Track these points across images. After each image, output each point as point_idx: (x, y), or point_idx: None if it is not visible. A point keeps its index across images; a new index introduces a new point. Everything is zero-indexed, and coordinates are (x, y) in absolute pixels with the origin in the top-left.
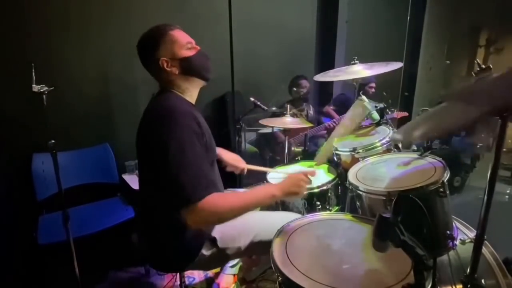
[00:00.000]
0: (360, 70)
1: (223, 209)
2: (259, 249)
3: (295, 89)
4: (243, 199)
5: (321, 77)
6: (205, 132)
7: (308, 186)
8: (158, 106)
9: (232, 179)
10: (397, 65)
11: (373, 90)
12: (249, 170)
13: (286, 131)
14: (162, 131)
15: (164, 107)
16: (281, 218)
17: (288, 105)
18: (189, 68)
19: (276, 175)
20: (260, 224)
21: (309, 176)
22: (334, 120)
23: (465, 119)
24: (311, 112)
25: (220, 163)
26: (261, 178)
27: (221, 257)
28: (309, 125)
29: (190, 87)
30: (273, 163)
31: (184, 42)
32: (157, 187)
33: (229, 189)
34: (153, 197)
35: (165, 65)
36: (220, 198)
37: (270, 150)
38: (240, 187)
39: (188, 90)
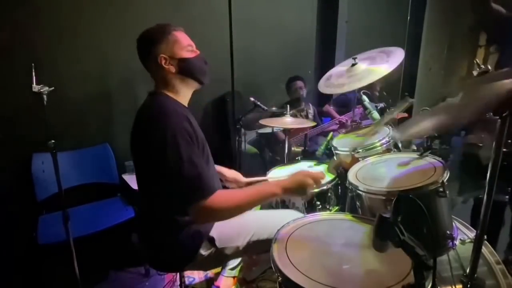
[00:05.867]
0: (363, 71)
1: (229, 207)
2: (257, 248)
3: (291, 90)
4: (246, 197)
5: (326, 89)
6: (197, 131)
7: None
8: (150, 109)
9: None
10: (398, 53)
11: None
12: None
13: (286, 131)
14: (155, 134)
15: (156, 109)
16: (279, 216)
17: (287, 106)
18: (186, 69)
19: (277, 173)
20: (257, 223)
21: (317, 180)
22: (344, 117)
23: (465, 117)
24: (311, 112)
25: (221, 180)
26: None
27: (219, 257)
28: (309, 125)
29: (184, 88)
30: (273, 163)
31: (185, 44)
32: (156, 188)
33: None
34: (151, 197)
35: (163, 62)
36: (226, 196)
37: (270, 150)
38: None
39: (182, 91)
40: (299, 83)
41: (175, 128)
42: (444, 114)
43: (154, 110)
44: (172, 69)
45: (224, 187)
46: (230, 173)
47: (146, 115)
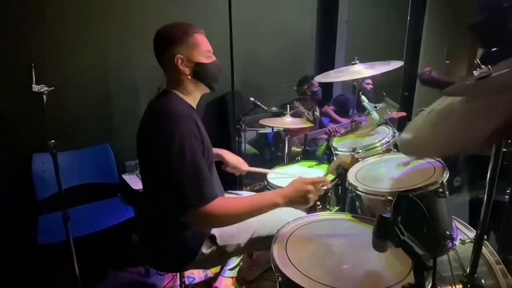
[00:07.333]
0: (361, 70)
1: (227, 214)
2: (258, 245)
3: (306, 87)
4: (246, 205)
5: (322, 78)
6: (204, 135)
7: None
8: (159, 108)
9: (232, 180)
10: (397, 64)
11: (370, 86)
12: (248, 171)
13: (286, 131)
14: (163, 134)
15: (165, 110)
16: (279, 214)
17: (297, 103)
18: (201, 74)
19: (277, 175)
20: (258, 220)
21: (320, 186)
22: (332, 127)
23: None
24: (317, 113)
25: (222, 164)
26: (260, 178)
27: (220, 255)
28: (309, 125)
29: (195, 91)
30: (273, 163)
31: (204, 49)
32: (159, 188)
33: (229, 191)
34: (154, 197)
35: (179, 63)
36: (225, 203)
37: (270, 150)
38: (240, 188)
39: (193, 94)
40: (316, 82)
41: (183, 130)
42: (449, 124)
43: (163, 110)
44: (187, 71)
45: (224, 173)
46: (233, 159)
47: (155, 115)
